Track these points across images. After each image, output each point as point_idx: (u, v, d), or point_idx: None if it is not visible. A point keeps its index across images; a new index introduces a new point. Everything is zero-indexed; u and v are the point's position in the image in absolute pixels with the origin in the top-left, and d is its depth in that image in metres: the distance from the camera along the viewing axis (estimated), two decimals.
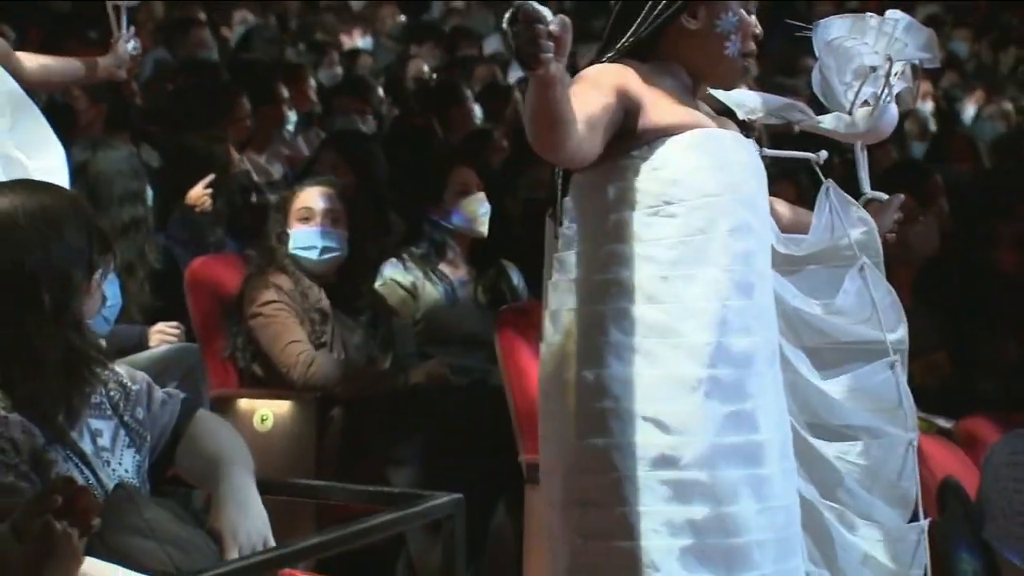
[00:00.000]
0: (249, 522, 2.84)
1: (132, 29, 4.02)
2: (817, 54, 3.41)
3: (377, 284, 5.17)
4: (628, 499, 3.05)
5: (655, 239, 3.07)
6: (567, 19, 2.70)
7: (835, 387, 3.30)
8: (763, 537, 3.09)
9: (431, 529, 4.00)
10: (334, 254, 4.86)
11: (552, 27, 2.64)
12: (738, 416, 3.09)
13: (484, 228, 5.33)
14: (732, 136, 3.23)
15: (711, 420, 3.06)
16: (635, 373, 3.06)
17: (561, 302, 3.20)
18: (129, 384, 2.98)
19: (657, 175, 3.08)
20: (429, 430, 4.63)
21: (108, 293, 2.96)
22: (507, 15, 2.68)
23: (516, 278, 5.45)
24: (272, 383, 4.72)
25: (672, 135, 3.09)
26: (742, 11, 3.17)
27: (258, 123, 6.89)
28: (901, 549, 3.27)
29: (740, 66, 3.23)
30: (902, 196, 3.51)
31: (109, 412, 2.91)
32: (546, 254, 3.36)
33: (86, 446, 2.84)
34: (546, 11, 2.67)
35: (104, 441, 2.87)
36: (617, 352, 3.07)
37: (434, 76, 9.83)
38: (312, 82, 8.04)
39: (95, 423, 2.88)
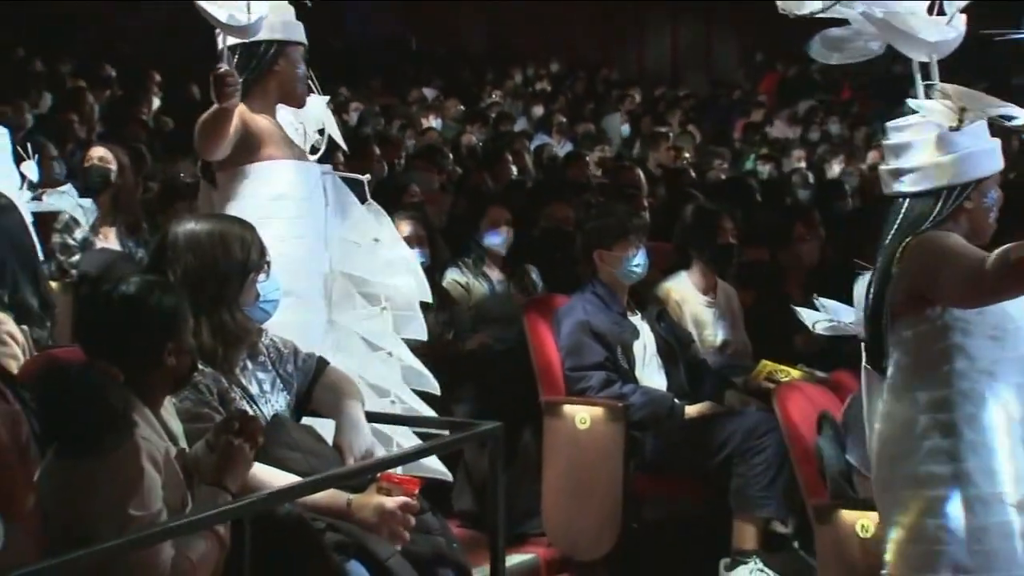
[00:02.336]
0: (361, 440, 2.84)
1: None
2: None
3: (443, 282, 5.14)
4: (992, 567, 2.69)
5: (991, 359, 2.76)
6: None
7: None
8: None
9: (480, 446, 4.00)
10: (425, 264, 4.83)
11: None
12: None
13: (504, 251, 5.28)
14: None
15: None
16: (988, 464, 2.73)
17: (909, 412, 2.80)
18: (282, 348, 2.97)
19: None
20: (479, 380, 4.61)
21: (265, 291, 2.91)
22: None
23: (536, 277, 5.42)
24: None
25: None
26: (1000, 189, 2.89)
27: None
28: None
29: (994, 229, 2.92)
30: None
31: (269, 367, 2.91)
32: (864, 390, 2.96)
33: (254, 389, 2.84)
34: None
35: (266, 386, 2.88)
36: (973, 448, 2.73)
37: (480, 145, 9.79)
38: (402, 151, 8.01)
39: (260, 374, 2.88)
